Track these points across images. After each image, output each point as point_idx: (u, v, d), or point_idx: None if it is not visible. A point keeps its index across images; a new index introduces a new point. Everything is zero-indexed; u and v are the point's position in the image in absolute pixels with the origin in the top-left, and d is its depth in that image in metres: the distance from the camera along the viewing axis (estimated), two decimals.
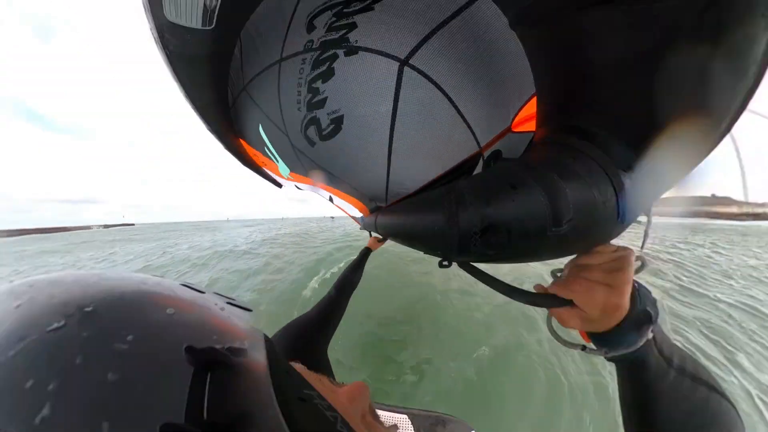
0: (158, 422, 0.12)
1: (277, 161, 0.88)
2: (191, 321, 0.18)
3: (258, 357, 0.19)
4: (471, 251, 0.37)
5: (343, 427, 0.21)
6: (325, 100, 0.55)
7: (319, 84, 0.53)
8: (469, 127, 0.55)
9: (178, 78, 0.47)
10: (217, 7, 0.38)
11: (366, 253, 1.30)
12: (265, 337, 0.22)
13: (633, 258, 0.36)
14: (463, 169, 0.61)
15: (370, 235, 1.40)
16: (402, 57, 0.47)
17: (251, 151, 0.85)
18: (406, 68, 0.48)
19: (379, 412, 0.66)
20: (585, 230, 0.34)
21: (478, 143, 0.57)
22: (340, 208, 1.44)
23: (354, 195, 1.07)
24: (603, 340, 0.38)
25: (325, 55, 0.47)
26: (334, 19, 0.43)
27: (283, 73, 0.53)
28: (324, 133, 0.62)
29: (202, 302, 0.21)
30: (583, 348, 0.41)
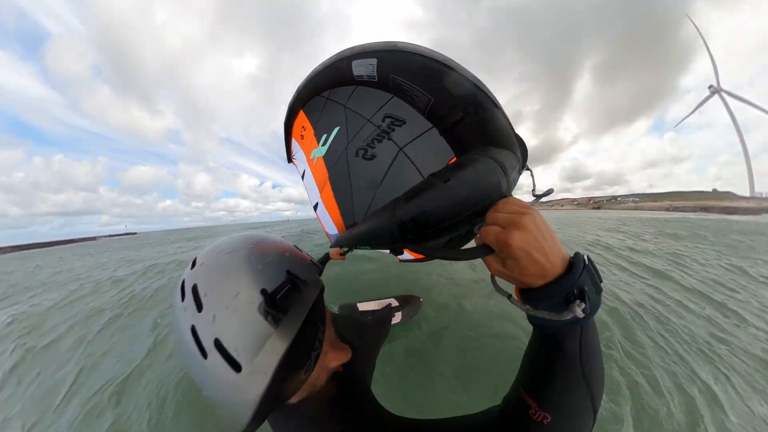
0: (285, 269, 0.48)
1: (322, 144, 1.26)
2: (299, 258, 0.54)
3: (311, 293, 0.48)
4: (410, 236, 0.55)
5: (312, 360, 0.47)
6: (371, 147, 1.09)
7: (374, 144, 1.07)
8: (420, 171, 1.06)
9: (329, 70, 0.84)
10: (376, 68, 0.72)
11: (325, 260, 1.45)
12: (322, 286, 0.53)
13: (516, 208, 0.43)
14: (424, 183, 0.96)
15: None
16: (401, 146, 1.02)
17: (303, 122, 1.25)
18: (400, 152, 1.04)
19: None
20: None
21: (422, 175, 1.11)
22: (319, 218, 1.69)
23: (343, 208, 1.43)
24: (528, 296, 0.43)
25: (384, 133, 1.02)
26: (390, 121, 0.95)
27: (365, 126, 1.06)
28: (365, 156, 1.14)
29: (303, 257, 0.58)
30: (509, 297, 0.48)
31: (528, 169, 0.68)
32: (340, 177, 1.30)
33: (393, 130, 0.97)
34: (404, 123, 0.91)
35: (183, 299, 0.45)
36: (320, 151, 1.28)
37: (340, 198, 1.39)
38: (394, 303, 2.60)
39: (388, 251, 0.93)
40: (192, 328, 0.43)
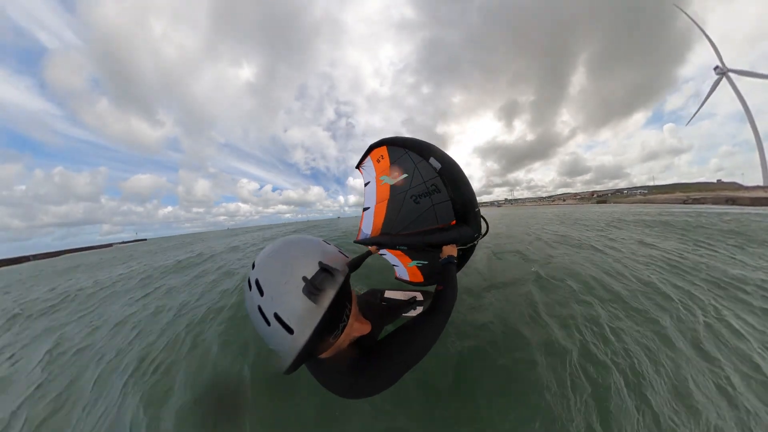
0: (318, 261, 0.70)
1: (392, 179, 2.00)
2: (329, 252, 0.76)
3: (339, 278, 0.68)
4: (428, 248, 1.82)
5: (340, 330, 0.71)
6: (420, 198, 1.85)
7: (422, 197, 1.83)
8: (438, 221, 1.79)
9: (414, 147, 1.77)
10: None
11: (366, 255, 1.68)
12: (349, 272, 0.73)
13: (453, 246, 1.59)
14: (434, 229, 1.85)
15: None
16: (434, 203, 1.76)
17: (382, 153, 2.00)
18: (432, 206, 1.78)
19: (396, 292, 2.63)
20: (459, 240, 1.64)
21: (438, 223, 1.81)
22: (362, 218, 2.46)
23: (387, 222, 2.19)
24: (441, 258, 1.50)
25: (429, 191, 1.76)
26: (434, 187, 1.71)
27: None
28: (415, 201, 1.88)
29: (332, 250, 0.78)
30: (439, 257, 1.53)
31: (478, 237, 1.69)
32: (395, 204, 2.06)
33: (433, 193, 1.73)
34: (439, 192, 1.69)
35: (250, 289, 0.66)
36: (391, 180, 2.02)
37: (389, 215, 2.14)
38: (419, 297, 2.77)
39: (393, 264, 2.74)
40: (258, 307, 0.63)
